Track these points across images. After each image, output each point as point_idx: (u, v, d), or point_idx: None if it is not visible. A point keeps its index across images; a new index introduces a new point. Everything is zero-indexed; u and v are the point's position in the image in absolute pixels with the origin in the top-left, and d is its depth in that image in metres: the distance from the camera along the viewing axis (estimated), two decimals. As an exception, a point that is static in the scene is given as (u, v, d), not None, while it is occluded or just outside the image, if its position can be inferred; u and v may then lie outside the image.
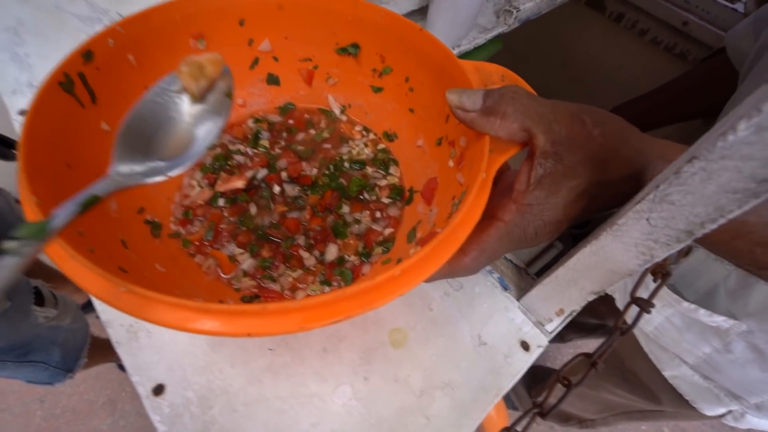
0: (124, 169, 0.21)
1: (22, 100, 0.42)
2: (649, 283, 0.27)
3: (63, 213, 0.18)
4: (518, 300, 0.35)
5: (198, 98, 0.24)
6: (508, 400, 1.09)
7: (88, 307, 1.17)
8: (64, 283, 1.10)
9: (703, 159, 0.17)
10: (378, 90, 0.37)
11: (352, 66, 0.37)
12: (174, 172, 0.22)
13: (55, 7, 0.51)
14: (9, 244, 0.17)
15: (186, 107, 0.24)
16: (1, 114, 0.45)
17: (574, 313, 0.33)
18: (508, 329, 0.33)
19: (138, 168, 0.22)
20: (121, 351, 0.30)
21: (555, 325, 0.34)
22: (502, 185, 0.28)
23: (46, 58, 0.46)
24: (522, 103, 0.24)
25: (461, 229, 0.21)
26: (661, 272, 0.24)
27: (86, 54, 0.27)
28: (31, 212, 0.20)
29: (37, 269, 0.93)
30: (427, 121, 0.34)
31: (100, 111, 0.28)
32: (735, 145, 0.16)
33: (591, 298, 0.28)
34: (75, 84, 0.26)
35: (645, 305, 0.24)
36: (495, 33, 0.60)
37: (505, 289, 0.36)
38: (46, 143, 0.22)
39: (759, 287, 0.43)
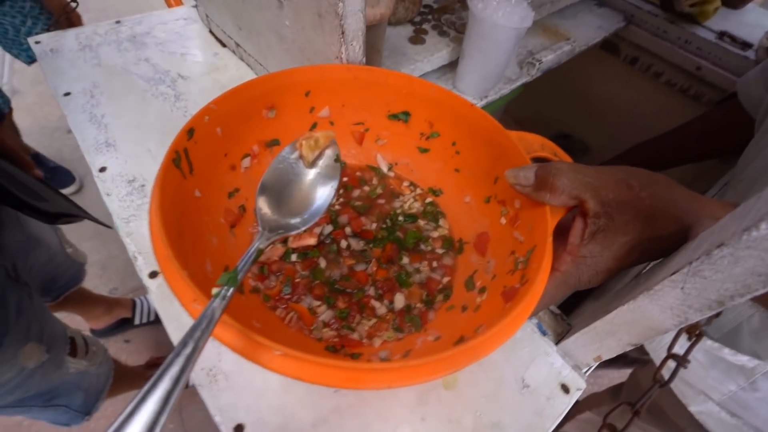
0: (271, 224, 0.28)
1: (102, 159, 0.47)
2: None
3: (242, 265, 0.25)
4: (556, 344, 0.38)
5: (310, 165, 0.31)
6: None
7: (112, 330, 1.20)
8: (92, 308, 1.13)
9: (730, 246, 0.21)
10: (424, 151, 0.41)
11: (401, 129, 0.41)
12: (306, 227, 0.30)
13: (123, 69, 0.57)
14: (215, 290, 0.23)
15: (303, 171, 0.31)
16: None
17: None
18: (548, 373, 0.36)
19: (280, 223, 0.28)
20: (203, 393, 0.33)
21: (592, 368, 0.37)
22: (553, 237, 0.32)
23: (119, 118, 0.51)
24: (568, 177, 0.28)
25: (540, 283, 0.25)
26: (695, 332, 0.27)
27: (190, 131, 0.31)
28: (185, 289, 0.24)
29: (77, 298, 0.97)
30: (474, 180, 0.38)
31: (195, 180, 0.32)
32: (758, 239, 0.19)
33: (628, 348, 0.31)
34: (181, 158, 0.31)
35: (682, 361, 0.27)
36: (519, 83, 0.65)
37: (544, 334, 0.39)
38: (170, 218, 0.27)
39: (782, 329, 0.45)
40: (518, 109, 1.17)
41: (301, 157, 0.32)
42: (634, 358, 0.84)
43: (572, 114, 1.01)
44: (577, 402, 0.36)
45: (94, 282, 1.34)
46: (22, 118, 1.62)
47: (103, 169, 0.45)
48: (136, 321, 1.23)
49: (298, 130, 0.39)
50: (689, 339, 0.28)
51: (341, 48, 0.37)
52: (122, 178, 0.45)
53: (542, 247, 0.27)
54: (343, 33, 0.35)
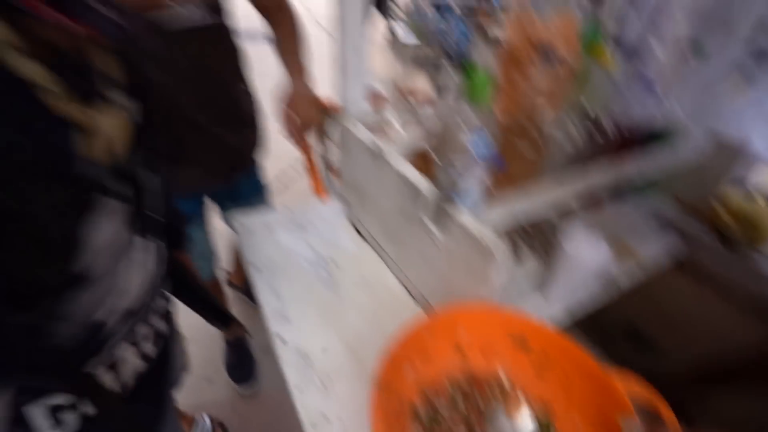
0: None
1: (279, 328, 0.62)
2: None
3: None
4: None
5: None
6: None
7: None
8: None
9: None
10: (541, 377, 0.51)
11: (522, 358, 0.52)
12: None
13: (292, 250, 0.76)
14: None
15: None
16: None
17: None
18: None
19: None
20: None
21: None
22: None
23: (291, 292, 0.68)
24: None
25: None
26: None
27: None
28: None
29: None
30: (582, 409, 0.47)
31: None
32: None
33: None
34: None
35: None
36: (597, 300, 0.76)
37: None
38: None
39: None
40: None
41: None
42: None
43: (642, 308, 1.08)
44: None
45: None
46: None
47: (283, 341, 0.60)
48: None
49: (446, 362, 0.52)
50: None
51: (486, 291, 0.51)
52: (297, 351, 0.58)
53: None
54: (490, 284, 0.50)
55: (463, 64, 0.53)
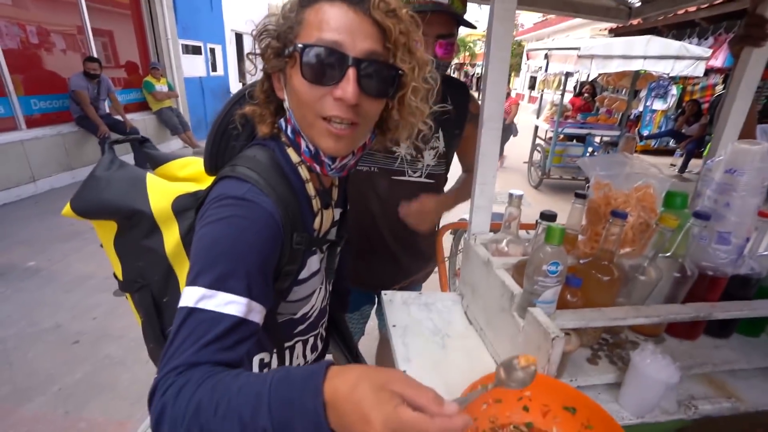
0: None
1: (404, 365, 0.94)
2: None
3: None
4: None
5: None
6: None
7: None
8: None
9: None
10: (584, 435, 0.70)
11: (569, 417, 0.73)
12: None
13: (419, 322, 1.10)
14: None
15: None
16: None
17: None
18: None
19: None
20: None
21: None
22: None
23: (418, 355, 1.00)
24: None
25: None
26: None
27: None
28: None
29: None
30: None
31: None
32: None
33: None
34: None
35: None
36: (674, 417, 0.86)
37: None
38: None
39: None
40: None
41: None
42: None
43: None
44: None
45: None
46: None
47: (404, 372, 0.91)
48: None
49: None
50: None
51: (545, 368, 0.75)
52: (414, 381, 0.89)
53: None
54: (549, 360, 0.75)
55: (546, 217, 0.85)
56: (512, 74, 22.57)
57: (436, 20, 1.08)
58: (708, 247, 0.95)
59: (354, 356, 1.18)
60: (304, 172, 0.74)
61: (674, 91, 9.55)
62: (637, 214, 0.94)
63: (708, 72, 7.73)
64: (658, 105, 9.89)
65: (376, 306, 1.59)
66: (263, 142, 0.75)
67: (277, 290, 0.74)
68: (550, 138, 6.67)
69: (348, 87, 0.62)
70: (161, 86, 6.83)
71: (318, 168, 0.73)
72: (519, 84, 23.30)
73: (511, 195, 0.99)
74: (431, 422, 0.44)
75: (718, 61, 6.83)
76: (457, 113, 1.24)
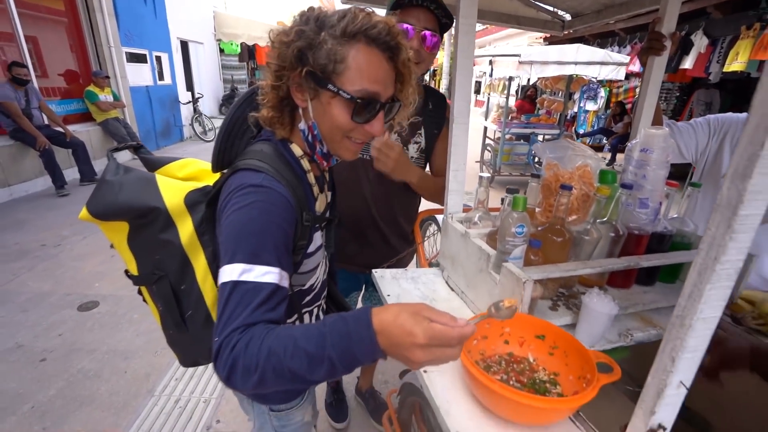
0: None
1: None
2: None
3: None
4: None
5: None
6: None
7: None
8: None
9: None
10: (551, 354, 0.90)
11: (540, 344, 0.93)
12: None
13: (409, 292, 1.27)
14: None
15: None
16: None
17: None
18: None
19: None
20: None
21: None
22: None
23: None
24: None
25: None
26: None
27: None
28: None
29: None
30: (574, 371, 0.85)
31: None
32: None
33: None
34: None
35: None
36: (616, 345, 1.09)
37: None
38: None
39: None
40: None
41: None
42: None
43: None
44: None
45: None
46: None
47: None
48: None
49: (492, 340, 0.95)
50: None
51: (519, 308, 0.95)
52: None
53: (592, 389, 0.72)
54: (522, 301, 0.94)
55: (511, 191, 1.06)
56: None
57: (423, 16, 1.29)
58: (633, 211, 1.20)
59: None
60: (305, 164, 0.89)
61: (603, 93, 10.59)
62: (580, 188, 1.17)
63: (629, 76, 8.70)
64: (590, 106, 10.91)
65: (363, 292, 1.74)
66: (266, 139, 0.89)
67: (293, 263, 0.87)
68: (498, 138, 7.16)
69: (377, 124, 0.82)
70: (105, 96, 6.50)
71: (325, 164, 0.92)
72: (466, 89, 24.33)
73: (481, 177, 1.19)
74: (452, 330, 0.61)
75: (635, 67, 7.70)
76: (437, 115, 1.45)
